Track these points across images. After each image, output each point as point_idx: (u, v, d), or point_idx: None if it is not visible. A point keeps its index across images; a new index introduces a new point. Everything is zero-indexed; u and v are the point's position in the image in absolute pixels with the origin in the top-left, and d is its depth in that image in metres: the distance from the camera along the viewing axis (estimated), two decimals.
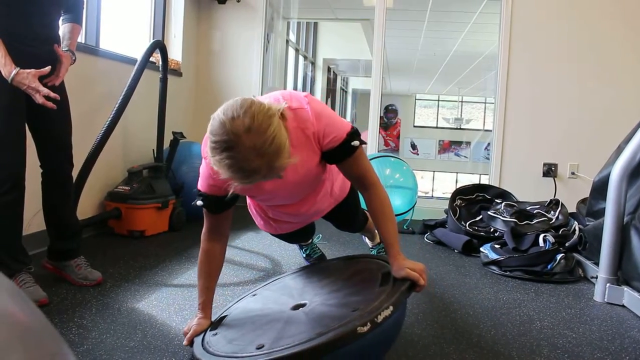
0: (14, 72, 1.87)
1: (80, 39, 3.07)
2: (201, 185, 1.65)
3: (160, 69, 3.38)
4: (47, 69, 1.97)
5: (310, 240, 2.68)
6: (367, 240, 2.72)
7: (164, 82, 3.39)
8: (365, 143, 1.65)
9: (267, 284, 2.02)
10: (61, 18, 2.21)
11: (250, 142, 1.28)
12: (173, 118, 3.81)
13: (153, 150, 3.53)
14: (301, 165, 1.60)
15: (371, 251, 2.70)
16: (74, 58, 2.22)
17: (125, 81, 2.97)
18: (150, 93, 3.50)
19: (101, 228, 3.21)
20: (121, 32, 3.68)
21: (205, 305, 1.72)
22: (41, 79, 1.95)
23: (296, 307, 1.60)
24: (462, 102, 14.30)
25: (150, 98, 3.52)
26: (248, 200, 2.02)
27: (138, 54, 3.08)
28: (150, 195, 3.20)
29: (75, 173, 2.76)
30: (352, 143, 1.59)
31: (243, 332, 1.55)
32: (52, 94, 1.94)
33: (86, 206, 3.04)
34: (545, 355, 1.80)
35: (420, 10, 6.36)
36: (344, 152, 1.61)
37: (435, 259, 3.05)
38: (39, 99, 1.92)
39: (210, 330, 1.64)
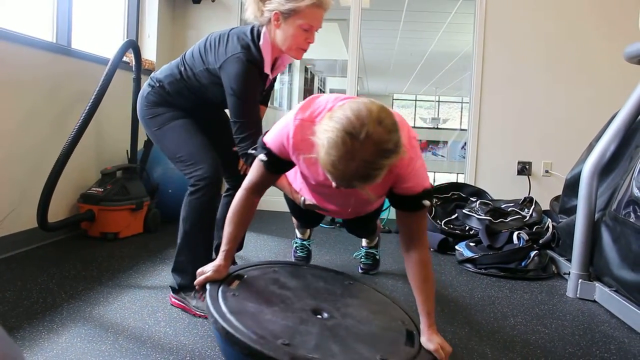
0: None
1: (51, 38, 3.03)
2: (272, 141, 1.62)
3: (133, 69, 3.34)
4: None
5: (308, 235, 2.78)
6: (363, 240, 2.74)
7: (137, 82, 3.35)
8: (434, 206, 1.65)
9: (287, 264, 1.93)
10: None
11: (367, 151, 1.26)
12: None
13: (127, 151, 3.49)
14: (370, 191, 1.60)
15: (361, 249, 2.73)
16: None
17: (97, 81, 2.92)
18: (124, 93, 3.46)
19: (74, 230, 3.16)
20: (94, 32, 3.62)
21: (228, 254, 1.68)
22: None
23: (316, 312, 1.56)
24: (439, 102, 14.43)
25: (123, 98, 3.47)
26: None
27: (111, 54, 3.04)
28: (124, 196, 3.16)
29: (47, 174, 2.73)
30: (424, 201, 1.56)
31: (262, 309, 1.49)
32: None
33: (58, 208, 2.99)
34: (518, 351, 1.82)
35: (396, 10, 6.38)
36: (412, 204, 1.58)
37: None
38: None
39: (227, 285, 1.59)
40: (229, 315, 1.41)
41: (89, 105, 2.86)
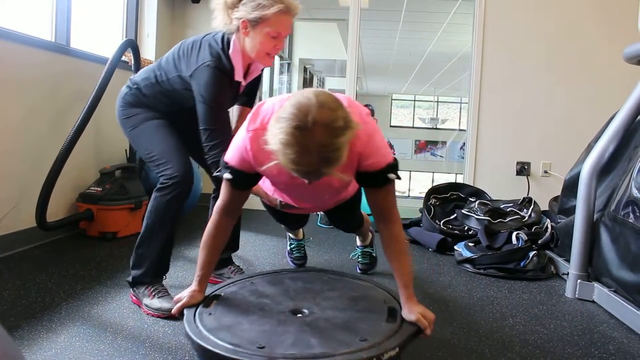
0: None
1: (50, 37, 3.03)
2: (232, 158, 1.62)
3: (132, 68, 3.33)
4: None
5: (302, 235, 2.75)
6: (357, 239, 2.73)
7: None
8: (400, 178, 1.65)
9: (264, 274, 1.96)
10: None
11: (319, 137, 1.27)
12: None
13: (125, 150, 3.49)
14: (337, 178, 1.60)
15: (357, 249, 2.72)
16: None
17: (96, 81, 2.92)
18: None
19: (73, 230, 3.16)
20: (93, 32, 3.62)
21: (203, 279, 1.69)
22: None
23: (296, 312, 1.57)
24: (437, 102, 14.44)
25: None
26: None
27: (110, 54, 3.04)
28: (123, 196, 3.16)
29: (45, 173, 2.73)
30: (389, 175, 1.58)
31: (239, 320, 1.51)
32: None
33: (57, 207, 2.99)
34: (517, 351, 1.82)
35: (395, 10, 6.39)
36: (378, 180, 1.59)
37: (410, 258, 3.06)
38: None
39: (204, 307, 1.60)
40: (205, 333, 1.43)
41: (88, 104, 2.86)
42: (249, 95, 2.33)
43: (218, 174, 1.69)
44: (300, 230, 2.72)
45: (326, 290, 1.76)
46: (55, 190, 2.76)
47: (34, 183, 2.75)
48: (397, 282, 1.61)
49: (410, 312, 1.54)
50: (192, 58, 2.01)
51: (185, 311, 1.59)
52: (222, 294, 1.71)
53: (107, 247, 2.93)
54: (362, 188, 1.73)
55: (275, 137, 1.30)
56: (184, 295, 1.65)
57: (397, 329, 1.49)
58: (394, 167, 1.60)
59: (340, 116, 1.31)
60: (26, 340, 1.70)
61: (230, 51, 2.00)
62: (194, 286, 1.68)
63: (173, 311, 1.63)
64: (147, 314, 1.99)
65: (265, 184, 2.08)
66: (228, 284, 1.83)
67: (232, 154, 1.62)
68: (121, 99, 2.21)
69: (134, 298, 2.09)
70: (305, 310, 1.58)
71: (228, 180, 1.64)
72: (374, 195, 1.64)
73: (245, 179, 1.65)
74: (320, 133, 1.27)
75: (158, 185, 2.04)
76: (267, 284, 1.82)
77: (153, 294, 2.02)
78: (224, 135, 1.95)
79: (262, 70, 2.23)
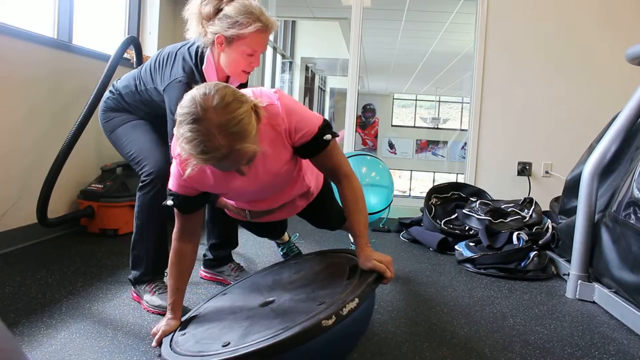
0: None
1: (52, 34, 3.03)
2: (172, 184, 1.63)
3: (134, 65, 3.33)
4: None
5: (287, 238, 2.68)
6: (350, 236, 2.71)
7: None
8: (337, 135, 1.64)
9: (238, 282, 2.00)
10: None
11: (216, 118, 1.29)
12: None
13: None
14: (272, 161, 1.59)
15: (351, 246, 2.70)
16: None
17: (98, 78, 2.92)
18: None
19: (73, 226, 3.16)
20: (96, 28, 3.62)
21: (175, 306, 1.71)
22: None
23: (264, 304, 1.58)
24: (439, 101, 14.43)
25: None
26: None
27: (112, 51, 3.04)
28: (124, 193, 3.16)
29: (47, 170, 2.73)
30: (325, 137, 1.58)
31: (211, 330, 1.53)
32: None
33: (58, 204, 2.99)
34: (517, 351, 1.82)
35: (398, 9, 6.39)
36: (316, 146, 1.60)
37: (411, 257, 3.07)
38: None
39: (179, 331, 1.63)
40: (177, 349, 1.46)
41: (90, 101, 2.85)
42: None
43: (164, 203, 1.68)
44: (285, 234, 2.67)
45: (293, 274, 1.78)
46: (56, 187, 2.76)
47: (35, 180, 2.75)
48: (351, 232, 1.62)
49: (366, 260, 1.53)
50: (165, 72, 1.99)
51: (163, 340, 1.61)
52: (198, 314, 1.73)
53: (108, 244, 2.93)
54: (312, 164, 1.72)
55: (180, 140, 1.33)
56: (160, 325, 1.67)
57: (356, 282, 1.47)
58: (326, 127, 1.60)
59: (228, 93, 1.34)
60: (26, 337, 1.71)
61: (204, 67, 1.97)
62: (168, 314, 1.70)
63: (153, 344, 1.65)
64: (147, 310, 1.99)
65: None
66: (203, 303, 1.86)
67: (171, 182, 1.64)
68: (103, 103, 2.23)
69: (135, 295, 2.10)
70: (274, 299, 1.59)
71: (173, 206, 1.65)
72: (320, 161, 1.65)
73: (188, 202, 1.64)
74: (215, 115, 1.30)
75: (139, 184, 2.05)
76: (240, 289, 1.85)
77: (154, 290, 2.02)
78: None
79: (245, 82, 2.15)
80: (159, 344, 1.61)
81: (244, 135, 1.32)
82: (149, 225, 2.06)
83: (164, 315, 1.93)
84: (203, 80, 1.97)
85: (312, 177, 1.97)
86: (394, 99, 14.69)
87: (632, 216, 2.14)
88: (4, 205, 2.62)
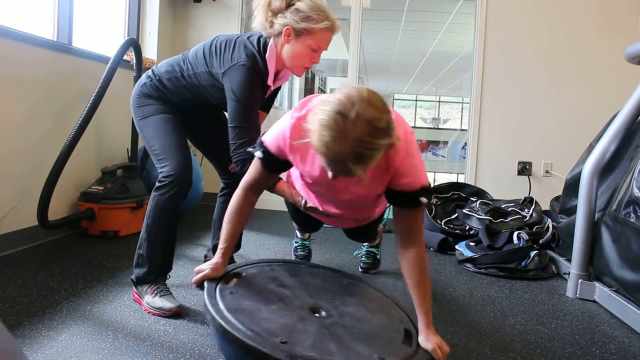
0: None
1: (52, 36, 3.03)
2: (270, 140, 1.63)
3: (134, 67, 3.34)
4: None
5: (308, 236, 2.78)
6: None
7: (138, 81, 3.34)
8: (434, 206, 1.65)
9: (284, 263, 1.93)
10: None
11: (359, 131, 1.26)
12: None
13: (127, 149, 3.49)
14: (365, 185, 1.59)
15: (362, 248, 2.75)
16: None
17: (98, 80, 2.92)
18: (125, 92, 3.43)
19: (74, 228, 3.16)
20: (95, 31, 3.62)
21: (226, 251, 1.69)
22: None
23: (314, 310, 1.55)
24: (439, 102, 14.42)
25: (124, 97, 3.43)
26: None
27: (112, 53, 3.04)
28: (125, 195, 3.16)
29: (47, 172, 2.73)
30: (421, 198, 1.55)
31: (259, 307, 1.49)
32: None
33: (59, 206, 2.99)
34: (518, 350, 1.82)
35: (397, 10, 6.38)
36: (410, 201, 1.56)
37: None
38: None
39: (224, 284, 1.59)
40: (226, 313, 1.40)
41: (90, 103, 2.86)
42: (268, 101, 2.33)
43: (251, 150, 1.70)
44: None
45: (345, 295, 1.73)
46: (56, 189, 2.76)
47: (36, 182, 2.75)
48: (416, 307, 1.57)
49: (428, 340, 1.51)
50: (225, 56, 2.00)
51: (205, 284, 1.57)
52: (243, 274, 1.69)
53: (109, 246, 2.93)
54: (392, 207, 1.68)
55: (316, 117, 1.30)
56: (205, 266, 1.63)
57: (413, 354, 1.46)
58: (427, 191, 1.57)
59: (385, 119, 1.30)
60: (27, 339, 1.71)
61: (267, 54, 2.00)
62: (216, 258, 1.66)
63: (193, 280, 1.61)
64: (148, 312, 1.99)
65: (293, 178, 2.09)
66: (249, 264, 1.81)
67: (270, 137, 1.64)
68: (139, 87, 2.20)
69: (136, 296, 2.10)
70: (324, 312, 1.55)
71: (259, 158, 1.66)
72: (402, 215, 1.60)
73: (275, 162, 1.66)
74: (361, 127, 1.26)
75: (157, 184, 2.04)
76: (286, 273, 1.78)
77: (155, 292, 2.02)
78: (252, 134, 1.95)
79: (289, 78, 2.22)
80: (200, 285, 1.58)
81: (366, 162, 1.30)
82: (160, 226, 2.05)
83: (164, 317, 1.93)
84: (265, 67, 2.00)
85: (380, 210, 2.01)
86: (394, 99, 14.69)
87: (632, 215, 2.14)
88: (4, 207, 2.62)
